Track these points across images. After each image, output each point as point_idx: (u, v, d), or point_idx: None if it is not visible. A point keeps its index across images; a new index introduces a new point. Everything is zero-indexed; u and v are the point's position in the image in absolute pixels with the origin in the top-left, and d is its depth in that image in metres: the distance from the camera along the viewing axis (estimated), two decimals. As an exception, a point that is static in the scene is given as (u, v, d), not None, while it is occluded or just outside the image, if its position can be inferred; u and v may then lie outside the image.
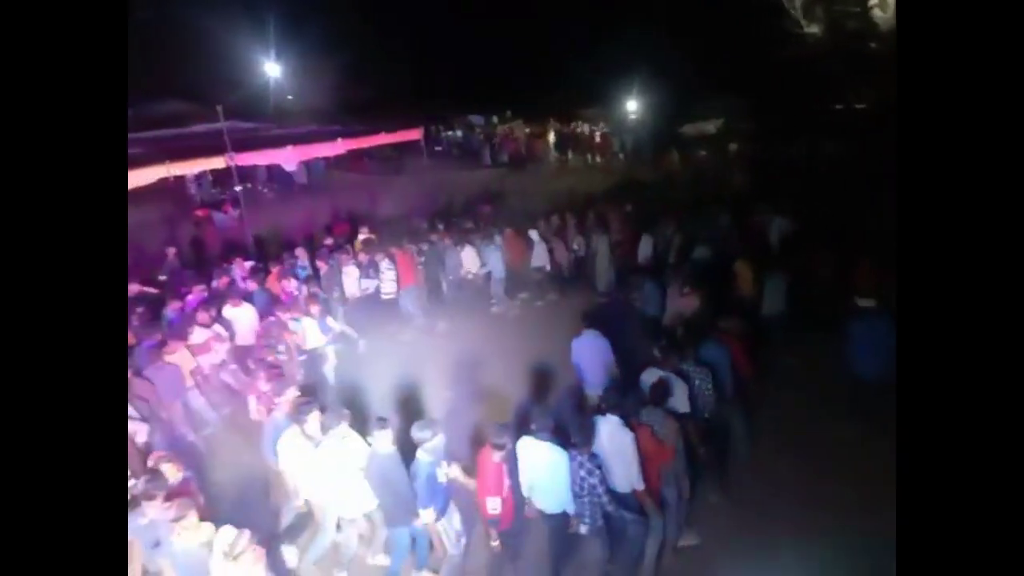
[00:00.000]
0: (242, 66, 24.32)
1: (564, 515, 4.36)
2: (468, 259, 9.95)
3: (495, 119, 29.44)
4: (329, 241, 10.47)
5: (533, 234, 10.29)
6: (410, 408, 7.02)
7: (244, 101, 19.36)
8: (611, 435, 4.37)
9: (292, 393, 5.17)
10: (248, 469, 5.91)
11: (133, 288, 8.64)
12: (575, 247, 10.79)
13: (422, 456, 4.27)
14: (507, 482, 4.32)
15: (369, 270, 9.24)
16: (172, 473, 4.41)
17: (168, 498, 4.01)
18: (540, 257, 10.23)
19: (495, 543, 4.46)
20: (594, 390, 6.00)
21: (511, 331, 9.40)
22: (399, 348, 8.74)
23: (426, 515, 4.29)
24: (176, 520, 3.70)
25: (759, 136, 20.05)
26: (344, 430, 4.60)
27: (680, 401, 4.98)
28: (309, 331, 7.32)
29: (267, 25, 23.73)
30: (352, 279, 9.08)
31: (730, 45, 18.62)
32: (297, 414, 4.83)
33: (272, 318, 7.37)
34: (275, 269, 9.08)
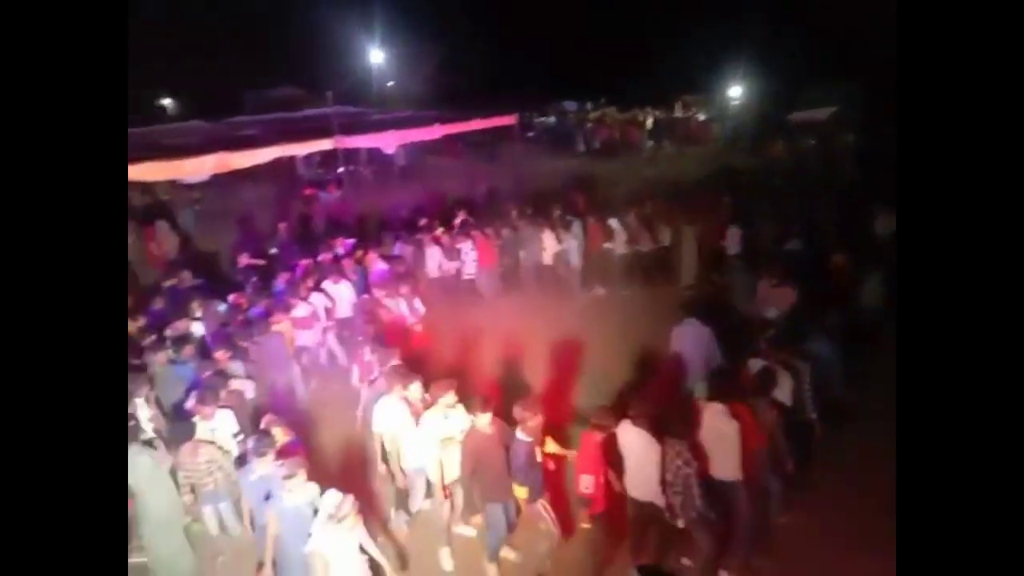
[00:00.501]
0: (349, 54, 25.60)
1: (651, 504, 4.34)
2: (546, 245, 10.05)
3: (589, 105, 29.05)
4: (424, 222, 10.87)
5: (613, 222, 10.19)
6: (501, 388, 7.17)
7: (350, 87, 20.36)
8: (714, 423, 4.33)
9: (394, 363, 5.42)
10: (347, 436, 6.29)
11: (244, 259, 9.45)
12: (659, 237, 10.55)
13: (521, 435, 4.32)
14: (603, 466, 4.38)
15: (451, 252, 9.58)
16: (280, 436, 4.70)
17: (278, 457, 4.33)
18: (620, 245, 10.14)
19: (585, 525, 4.53)
20: (694, 377, 6.06)
21: (585, 319, 9.35)
22: (476, 329, 8.92)
23: (521, 493, 4.35)
24: (287, 477, 3.98)
25: (873, 126, 18.45)
26: (451, 399, 4.74)
27: (783, 393, 4.87)
28: (399, 310, 7.65)
29: (372, 14, 24.75)
30: (434, 260, 9.44)
31: (847, 26, 17.21)
32: (402, 380, 5.06)
33: (366, 296, 7.78)
34: (373, 248, 9.58)
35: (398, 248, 9.74)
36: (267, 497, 4.18)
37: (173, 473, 5.03)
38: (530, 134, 24.25)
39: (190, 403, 5.37)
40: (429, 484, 5.02)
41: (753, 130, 22.08)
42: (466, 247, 9.57)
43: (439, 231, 10.14)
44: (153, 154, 9.83)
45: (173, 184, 15.41)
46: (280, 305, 7.31)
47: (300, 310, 7.46)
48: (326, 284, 8.12)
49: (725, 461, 4.33)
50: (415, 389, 5.07)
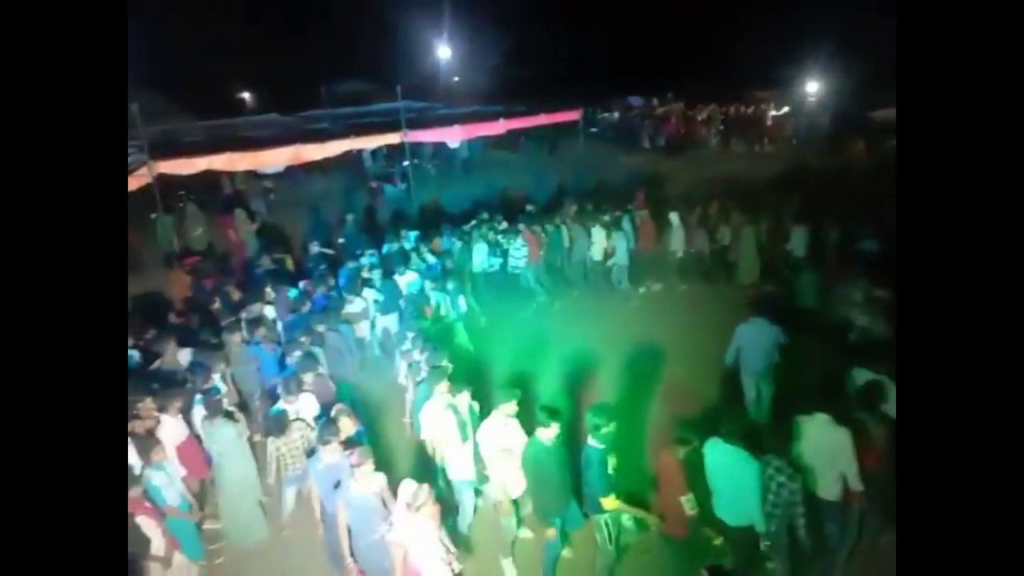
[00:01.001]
0: (417, 49, 26.10)
1: (748, 528, 3.97)
2: (595, 241, 9.97)
3: (655, 101, 28.37)
4: (486, 216, 10.98)
5: (674, 216, 10.00)
6: (535, 389, 7.13)
7: (417, 82, 20.76)
8: (820, 434, 4.02)
9: (443, 364, 5.32)
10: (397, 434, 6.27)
11: (316, 247, 9.84)
12: (719, 235, 10.26)
13: (594, 443, 4.05)
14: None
15: (497, 248, 9.61)
16: (347, 426, 4.82)
17: (345, 447, 4.41)
18: (676, 242, 9.95)
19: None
20: (752, 375, 6.06)
21: (629, 317, 9.23)
22: (520, 325, 8.90)
23: (608, 503, 4.02)
24: (356, 466, 4.05)
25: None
26: (511, 409, 4.52)
27: (893, 407, 4.53)
28: (443, 304, 7.71)
29: (441, 9, 25.11)
30: (481, 256, 9.48)
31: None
32: (449, 387, 4.92)
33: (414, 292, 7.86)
34: (435, 240, 9.78)
35: (447, 242, 9.85)
36: (336, 485, 4.25)
37: (252, 446, 5.32)
38: (593, 129, 23.95)
39: (279, 386, 5.52)
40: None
41: (830, 129, 20.99)
42: (517, 242, 9.54)
43: (503, 225, 10.21)
44: (233, 145, 10.40)
45: (249, 174, 16.24)
46: (339, 300, 7.55)
47: (354, 305, 7.65)
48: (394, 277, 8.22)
49: (829, 478, 3.99)
50: (464, 397, 4.88)
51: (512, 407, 4.51)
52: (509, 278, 9.67)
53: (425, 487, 3.73)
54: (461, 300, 8.12)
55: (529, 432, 4.43)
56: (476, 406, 5.01)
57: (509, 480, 4.53)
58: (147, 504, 4.41)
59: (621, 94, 28.17)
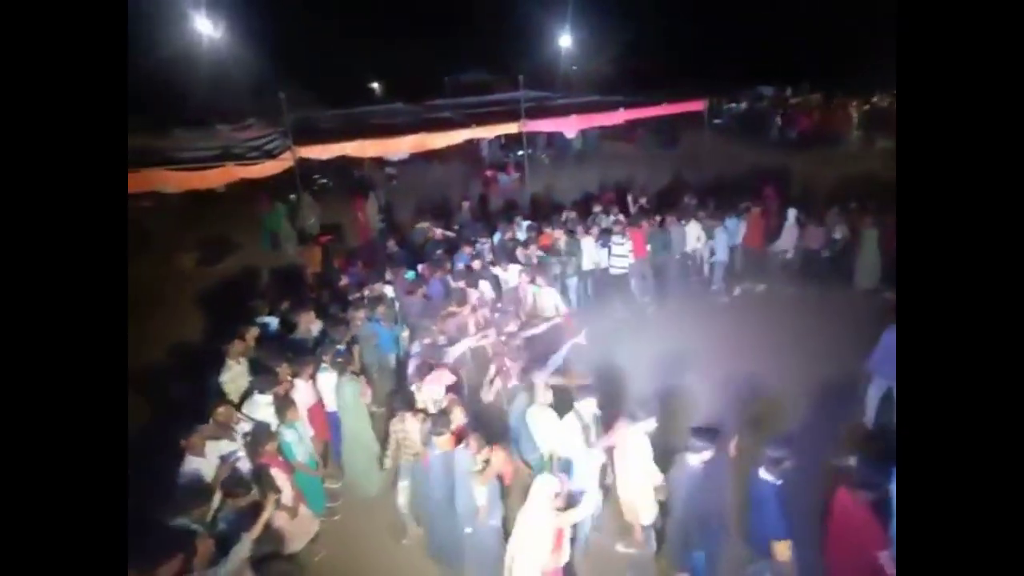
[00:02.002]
0: (536, 37, 26.19)
1: None
2: (691, 237, 9.59)
3: (788, 91, 26.32)
4: (598, 208, 10.84)
5: (791, 213, 9.47)
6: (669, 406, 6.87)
7: (537, 71, 20.85)
8: None
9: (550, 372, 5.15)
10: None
11: (437, 233, 10.25)
12: (836, 235, 9.42)
13: (767, 476, 3.63)
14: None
15: (600, 244, 9.32)
16: (458, 416, 4.92)
17: (457, 441, 4.53)
18: (786, 240, 9.40)
19: None
20: (886, 384, 5.70)
21: (725, 320, 8.79)
22: (618, 327, 8.60)
23: (782, 550, 3.47)
24: (476, 453, 4.20)
25: None
26: (650, 426, 4.25)
27: None
28: (545, 300, 7.37)
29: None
30: (589, 252, 9.27)
31: None
32: (576, 395, 4.70)
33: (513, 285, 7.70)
34: (544, 234, 9.73)
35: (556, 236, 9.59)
36: (448, 473, 4.41)
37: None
38: (717, 121, 22.76)
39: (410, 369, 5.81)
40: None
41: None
42: (617, 239, 9.19)
43: (612, 219, 10.01)
44: (364, 132, 11.08)
45: (373, 161, 17.26)
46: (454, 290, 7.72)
47: (470, 293, 7.75)
48: (496, 269, 8.25)
49: None
50: (588, 406, 4.63)
51: (652, 424, 4.22)
52: (611, 277, 9.37)
53: (566, 482, 3.74)
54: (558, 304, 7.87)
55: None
56: (600, 414, 4.87)
57: (640, 504, 4.26)
58: (280, 459, 4.88)
59: (751, 83, 26.44)
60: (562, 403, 4.92)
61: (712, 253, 9.73)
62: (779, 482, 3.60)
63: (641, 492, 4.26)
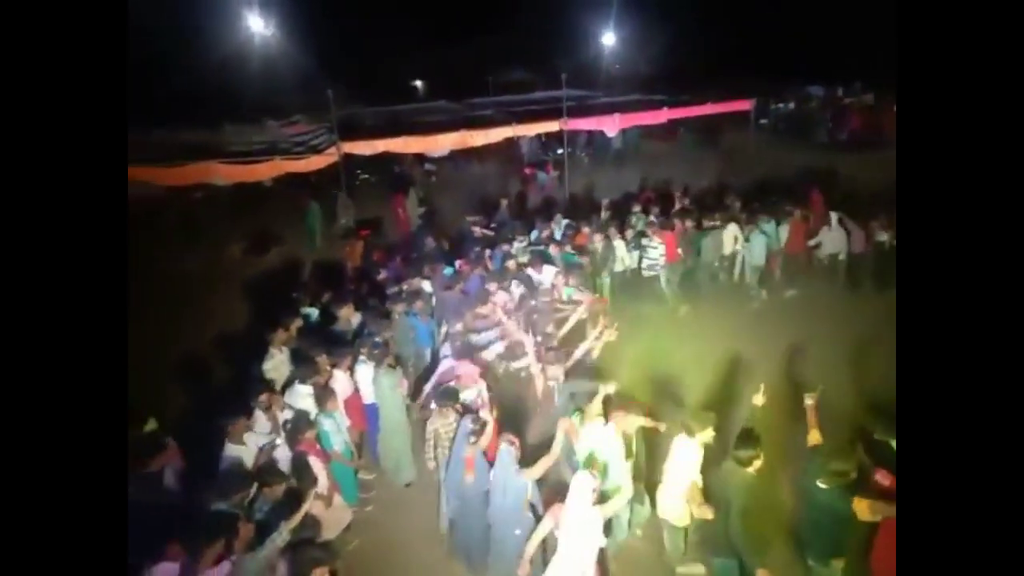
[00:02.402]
0: (578, 36, 26.02)
1: None
2: (727, 241, 9.37)
3: (840, 90, 25.34)
4: (637, 208, 10.69)
5: (833, 216, 9.28)
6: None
7: (578, 69, 20.71)
8: None
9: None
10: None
11: (477, 229, 10.28)
12: (881, 237, 9.07)
13: (826, 484, 3.53)
14: None
15: (632, 247, 9.17)
16: (491, 416, 4.94)
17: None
18: (830, 245, 9.22)
19: None
20: None
21: (754, 324, 8.58)
22: (648, 331, 8.41)
23: (839, 566, 3.51)
24: (512, 444, 4.31)
25: None
26: (708, 436, 4.21)
27: None
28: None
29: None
30: (622, 253, 9.14)
31: None
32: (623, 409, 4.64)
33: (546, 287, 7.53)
34: (580, 232, 9.64)
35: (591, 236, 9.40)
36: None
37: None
38: (763, 121, 22.12)
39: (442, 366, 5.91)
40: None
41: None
42: (652, 241, 9.05)
43: (650, 219, 9.85)
44: (407, 130, 11.23)
45: (415, 157, 17.46)
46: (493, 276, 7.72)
47: (498, 297, 7.70)
48: (530, 270, 8.11)
49: None
50: (635, 422, 4.59)
51: (710, 434, 4.19)
52: (644, 280, 9.21)
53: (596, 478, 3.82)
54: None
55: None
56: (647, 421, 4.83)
57: (682, 508, 4.32)
58: (318, 447, 4.99)
59: (800, 83, 25.57)
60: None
61: (742, 258, 9.52)
62: (838, 494, 3.50)
63: (682, 499, 4.28)
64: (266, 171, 10.74)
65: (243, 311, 9.75)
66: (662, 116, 12.74)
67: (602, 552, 4.08)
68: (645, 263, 9.17)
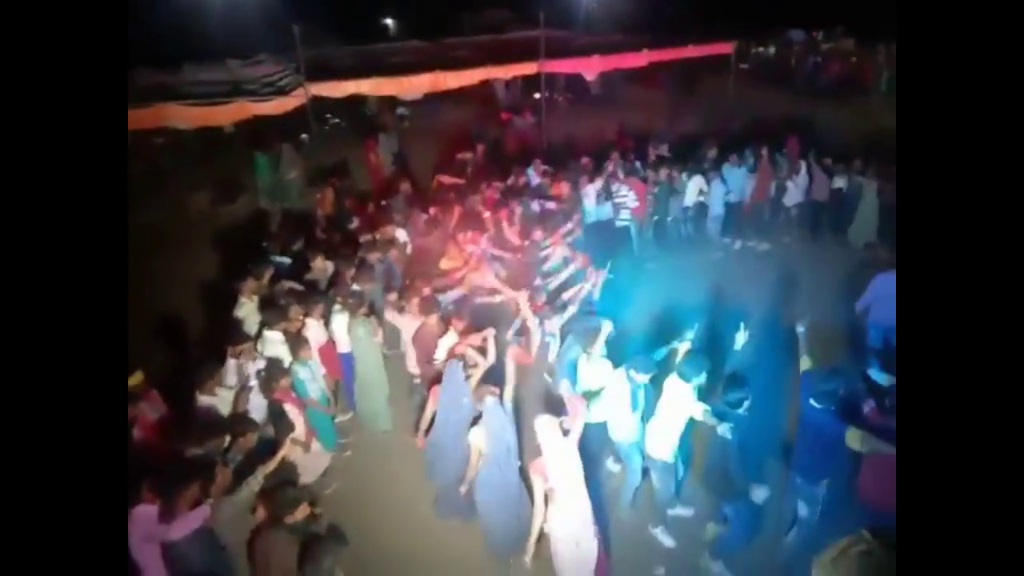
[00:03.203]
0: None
1: None
2: (690, 191, 9.41)
3: (819, 35, 24.92)
4: (614, 155, 10.53)
5: (802, 164, 9.43)
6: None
7: (556, 8, 19.94)
8: None
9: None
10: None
11: (446, 179, 10.05)
12: (839, 184, 9.32)
13: (818, 404, 3.78)
14: None
15: (602, 196, 9.01)
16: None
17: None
18: (795, 193, 9.40)
19: None
20: (880, 329, 6.05)
21: (719, 275, 8.74)
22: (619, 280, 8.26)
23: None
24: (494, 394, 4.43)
25: None
26: (700, 380, 4.29)
27: None
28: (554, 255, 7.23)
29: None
30: (591, 203, 8.96)
31: None
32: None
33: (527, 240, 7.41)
34: (557, 183, 9.47)
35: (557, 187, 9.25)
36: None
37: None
38: (744, 65, 21.71)
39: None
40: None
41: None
42: (622, 191, 8.96)
43: (624, 166, 9.72)
44: (379, 71, 10.77)
45: (384, 101, 16.82)
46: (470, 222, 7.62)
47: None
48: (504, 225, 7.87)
49: None
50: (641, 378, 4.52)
51: (702, 379, 4.28)
52: (616, 231, 9.12)
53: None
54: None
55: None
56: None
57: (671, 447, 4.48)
58: (293, 395, 5.00)
59: (780, 26, 25.03)
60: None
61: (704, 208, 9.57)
62: (832, 408, 3.72)
63: (672, 436, 4.42)
64: (230, 114, 10.28)
65: (214, 261, 9.53)
66: (642, 59, 12.42)
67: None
68: (620, 213, 9.11)
